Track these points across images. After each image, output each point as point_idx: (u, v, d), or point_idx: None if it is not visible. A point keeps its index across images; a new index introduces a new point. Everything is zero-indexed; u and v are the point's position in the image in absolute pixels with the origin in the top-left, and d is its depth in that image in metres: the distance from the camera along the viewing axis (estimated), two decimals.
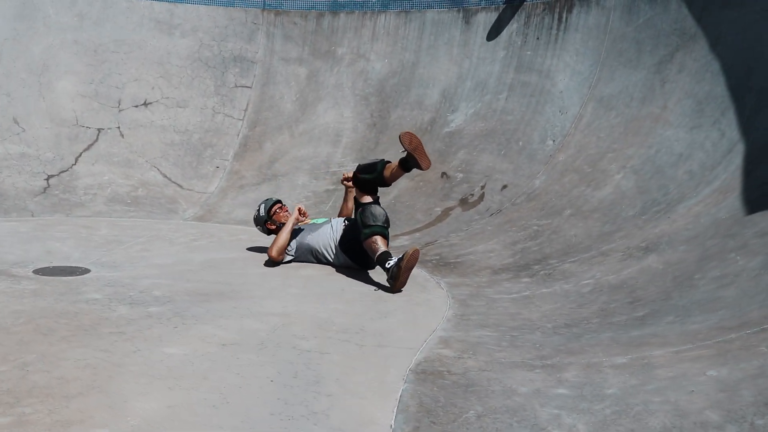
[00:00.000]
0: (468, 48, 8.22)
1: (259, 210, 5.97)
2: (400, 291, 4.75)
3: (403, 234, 6.76)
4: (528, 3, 7.82)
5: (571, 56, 7.44)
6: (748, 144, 5.34)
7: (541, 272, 5.18)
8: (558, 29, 7.57)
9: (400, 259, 4.73)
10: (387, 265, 4.81)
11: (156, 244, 6.14)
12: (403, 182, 7.64)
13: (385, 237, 5.07)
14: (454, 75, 8.20)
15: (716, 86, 5.96)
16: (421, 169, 5.28)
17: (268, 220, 5.89)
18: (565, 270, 5.17)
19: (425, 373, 3.30)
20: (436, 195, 7.37)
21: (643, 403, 2.84)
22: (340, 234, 5.47)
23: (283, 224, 5.66)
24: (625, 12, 7.04)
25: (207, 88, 8.66)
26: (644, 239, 5.20)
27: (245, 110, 8.63)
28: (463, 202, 7.11)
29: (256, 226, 6.02)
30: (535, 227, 6.17)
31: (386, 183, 5.53)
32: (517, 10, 7.89)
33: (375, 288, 4.87)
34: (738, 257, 4.23)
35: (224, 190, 7.95)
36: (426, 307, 4.49)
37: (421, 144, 5.30)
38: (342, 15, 8.77)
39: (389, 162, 5.56)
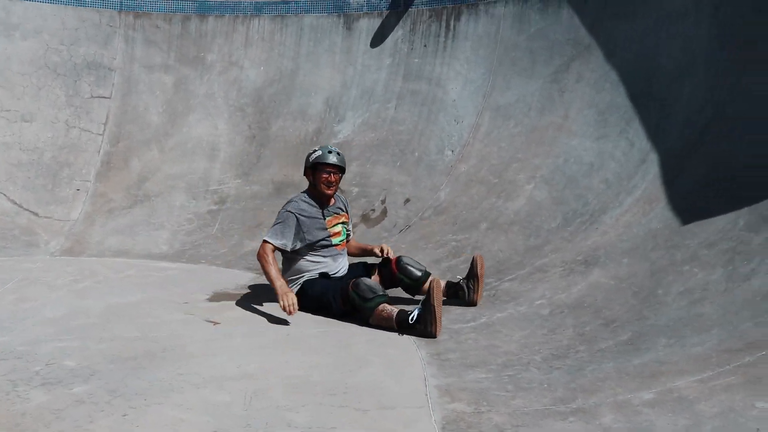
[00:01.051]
0: (351, 55, 7.82)
1: (312, 152, 5.00)
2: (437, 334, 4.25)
3: None
4: (413, 9, 7.57)
5: (461, 64, 7.29)
6: (661, 153, 5.45)
7: (483, 294, 4.93)
8: (446, 37, 7.40)
9: (426, 301, 4.26)
10: (412, 318, 4.28)
11: (31, 290, 5.14)
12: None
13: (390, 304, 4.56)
14: (338, 83, 7.77)
15: (617, 96, 6.06)
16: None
17: (309, 169, 4.98)
18: (508, 290, 4.97)
19: None
20: None
21: None
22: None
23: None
24: (515, 21, 7.01)
25: (57, 98, 7.52)
26: (578, 252, 5.14)
27: (105, 123, 7.60)
28: (366, 219, 6.72)
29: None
30: (453, 243, 5.93)
31: (418, 290, 4.98)
32: (401, 16, 7.62)
33: (400, 334, 4.30)
34: (695, 270, 4.24)
35: (90, 216, 6.93)
36: (394, 348, 4.07)
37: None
38: (210, 19, 8.00)
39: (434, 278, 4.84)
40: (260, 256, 4.77)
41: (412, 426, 3.03)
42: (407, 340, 4.21)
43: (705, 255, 4.32)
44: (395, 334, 4.30)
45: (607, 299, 4.38)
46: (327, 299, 4.64)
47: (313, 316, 4.68)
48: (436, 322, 4.21)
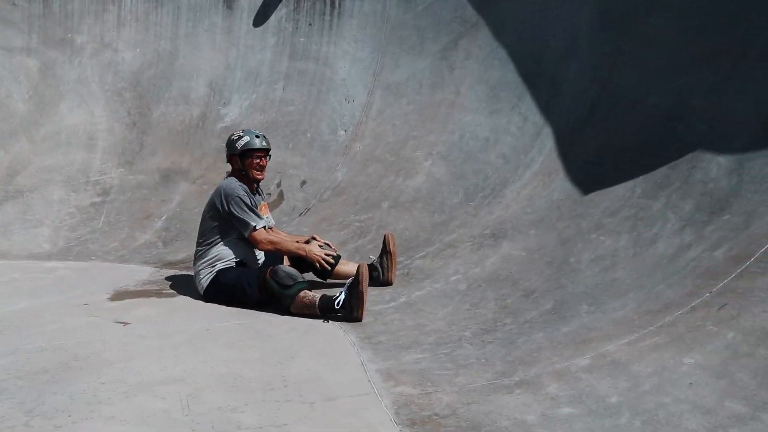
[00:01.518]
0: (233, 35, 7.49)
1: (237, 138, 4.76)
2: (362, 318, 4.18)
3: None
4: None
5: (349, 43, 7.18)
6: (555, 127, 5.63)
7: (398, 273, 4.91)
8: (332, 15, 7.24)
9: (353, 285, 4.11)
10: (338, 303, 4.15)
11: None
12: (183, 186, 6.78)
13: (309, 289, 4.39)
14: (221, 65, 7.43)
15: (507, 72, 6.19)
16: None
17: (237, 156, 4.74)
18: (421, 267, 4.98)
19: (417, 425, 2.86)
20: None
21: (660, 407, 2.77)
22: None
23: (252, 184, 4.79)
24: (401, 0, 6.96)
25: None
26: (485, 226, 5.22)
27: None
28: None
29: (227, 148, 4.82)
30: (357, 223, 5.87)
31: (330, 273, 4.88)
32: None
33: (325, 321, 4.18)
34: (602, 237, 4.42)
35: None
36: (320, 335, 3.96)
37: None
38: None
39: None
40: (269, 245, 4.58)
41: (364, 414, 2.96)
42: (332, 326, 4.11)
43: (609, 223, 4.51)
44: (318, 321, 4.19)
45: (522, 270, 4.48)
46: (242, 288, 4.45)
47: (228, 307, 4.47)
48: (362, 307, 4.13)
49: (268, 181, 6.73)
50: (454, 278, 4.67)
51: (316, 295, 4.28)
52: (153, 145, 7.12)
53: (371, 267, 4.83)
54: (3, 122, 7.01)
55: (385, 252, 4.83)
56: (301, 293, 4.27)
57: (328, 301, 4.21)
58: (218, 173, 6.87)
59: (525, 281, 4.34)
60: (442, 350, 3.65)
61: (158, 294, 4.80)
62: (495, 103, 6.16)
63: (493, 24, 6.44)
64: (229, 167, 4.92)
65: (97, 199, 6.68)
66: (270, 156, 4.82)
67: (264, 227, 4.58)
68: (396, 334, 3.91)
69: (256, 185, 4.79)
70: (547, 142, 5.59)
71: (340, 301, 4.15)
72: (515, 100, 6.04)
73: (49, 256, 5.88)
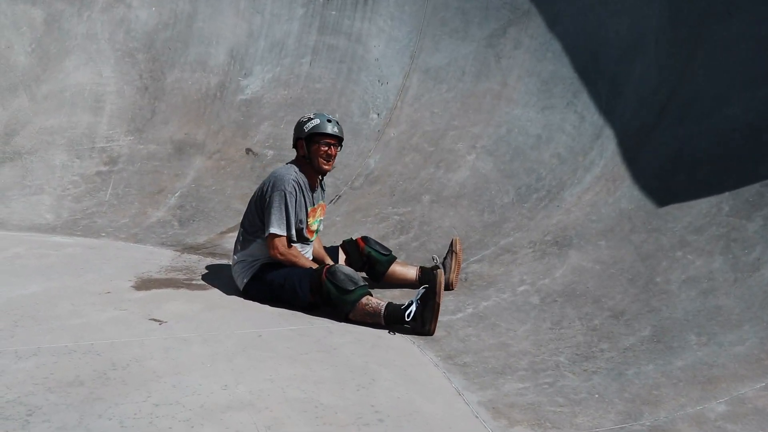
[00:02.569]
0: (258, 2, 6.75)
1: (305, 120, 4.07)
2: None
3: (228, 231, 5.29)
4: None
5: (385, 21, 6.52)
6: (617, 130, 5.10)
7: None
8: None
9: (427, 295, 3.51)
10: (409, 314, 3.56)
11: None
12: (199, 160, 6.07)
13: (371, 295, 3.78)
14: (243, 32, 6.69)
15: (561, 67, 5.63)
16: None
17: (303, 140, 4.04)
18: (479, 273, 4.42)
19: None
20: (246, 176, 5.96)
21: None
22: None
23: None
24: None
25: None
26: (545, 232, 4.68)
27: None
28: None
29: (294, 132, 4.13)
30: (396, 217, 5.27)
31: (382, 275, 4.29)
32: None
33: (390, 332, 3.60)
34: (690, 257, 3.92)
35: None
36: (393, 351, 3.37)
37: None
38: None
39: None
40: (281, 256, 3.91)
41: None
42: (401, 339, 3.53)
43: (695, 241, 4.01)
44: (383, 332, 3.59)
45: (601, 286, 3.96)
46: (292, 289, 3.81)
47: (273, 308, 3.84)
48: (436, 320, 3.55)
49: None
50: (521, 288, 4.12)
51: (380, 302, 3.68)
52: (166, 113, 6.37)
53: (434, 267, 4.26)
54: (1, 76, 6.17)
55: (451, 252, 4.26)
56: (363, 299, 3.67)
57: (395, 310, 3.61)
58: (237, 149, 6.19)
59: (608, 299, 3.82)
60: (542, 379, 3.10)
61: (188, 285, 4.13)
62: (547, 98, 5.60)
63: (547, 13, 5.86)
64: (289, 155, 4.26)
65: (104, 168, 5.92)
66: (342, 147, 4.12)
67: (286, 239, 3.92)
68: (481, 355, 3.34)
69: (319, 178, 4.12)
70: (608, 145, 5.07)
71: (411, 312, 3.55)
72: (570, 96, 5.49)
73: (53, 229, 5.13)
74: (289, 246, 3.93)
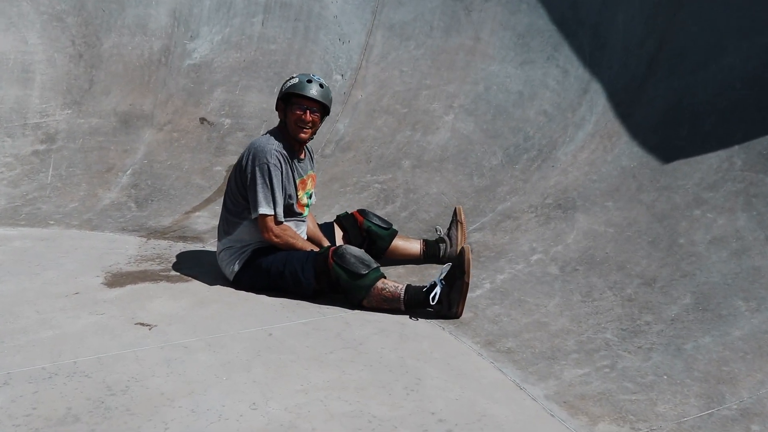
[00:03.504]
0: None
1: (287, 80, 3.50)
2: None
3: (194, 210, 4.66)
4: None
5: None
6: (605, 83, 4.74)
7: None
8: None
9: (453, 274, 3.03)
10: (433, 297, 3.08)
11: None
12: (149, 133, 5.36)
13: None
14: None
15: (537, 19, 5.21)
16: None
17: (280, 100, 3.51)
18: (484, 242, 4.01)
19: None
20: (204, 148, 5.30)
21: None
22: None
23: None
24: None
25: None
26: (544, 194, 4.31)
27: None
28: None
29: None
30: (377, 185, 4.77)
31: (383, 251, 3.79)
32: None
33: (412, 317, 3.14)
34: (710, 215, 3.62)
35: None
36: (427, 340, 2.92)
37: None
38: None
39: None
40: (276, 239, 3.36)
41: None
42: (427, 325, 3.08)
43: (712, 198, 3.72)
44: (404, 318, 3.13)
45: (621, 251, 3.62)
46: (294, 276, 3.28)
47: (273, 298, 3.31)
48: (464, 301, 3.12)
49: (252, 129, 5.45)
50: (535, 258, 3.74)
51: (397, 285, 3.21)
52: (105, 82, 5.57)
53: (439, 240, 3.81)
54: None
55: (456, 222, 3.82)
56: (379, 283, 3.18)
57: (417, 294, 3.15)
58: (189, 119, 5.51)
59: (634, 265, 3.48)
60: (599, 361, 2.73)
61: (167, 277, 3.53)
62: (525, 52, 5.18)
63: None
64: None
65: (41, 147, 5.12)
66: (324, 116, 3.50)
67: (275, 217, 3.37)
68: (521, 338, 2.94)
69: (300, 147, 3.54)
70: (598, 99, 4.71)
71: (436, 294, 3.10)
72: (550, 50, 5.08)
73: None
74: (291, 231, 3.39)
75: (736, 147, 3.91)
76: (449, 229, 3.88)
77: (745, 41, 4.27)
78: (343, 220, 3.79)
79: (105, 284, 3.39)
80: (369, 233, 3.72)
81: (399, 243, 3.78)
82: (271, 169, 3.30)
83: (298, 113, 3.42)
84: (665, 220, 3.74)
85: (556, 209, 4.14)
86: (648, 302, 3.18)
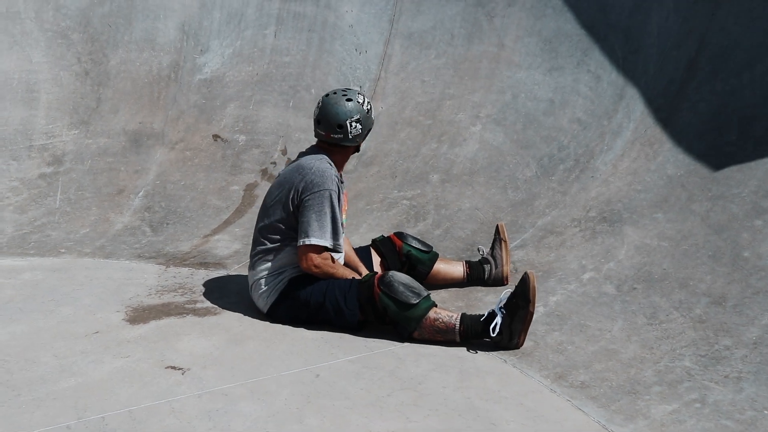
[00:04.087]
0: None
1: (370, 108, 3.27)
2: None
3: (213, 233, 4.34)
4: None
5: None
6: (641, 88, 4.46)
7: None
8: None
9: (516, 304, 2.74)
10: (494, 328, 2.77)
11: None
12: (161, 152, 5.04)
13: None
14: (195, 3, 5.60)
15: (564, 23, 4.92)
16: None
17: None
18: (527, 260, 3.71)
19: None
20: (219, 167, 4.98)
21: None
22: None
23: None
24: None
25: None
26: (586, 207, 4.01)
27: None
28: (267, 175, 4.91)
29: (356, 123, 3.17)
30: (406, 201, 4.47)
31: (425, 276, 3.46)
32: None
33: (471, 350, 2.84)
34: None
35: None
36: (492, 377, 2.60)
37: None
38: None
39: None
40: (316, 269, 3.04)
41: None
42: (487, 358, 2.77)
43: None
44: (460, 350, 2.82)
45: (680, 267, 3.32)
46: (337, 307, 2.96)
47: (313, 331, 2.98)
48: (526, 331, 2.81)
49: (269, 147, 5.14)
50: (586, 276, 3.43)
51: (451, 314, 2.90)
52: (113, 100, 5.25)
53: (482, 261, 3.50)
54: None
55: (499, 240, 3.51)
56: (431, 313, 2.87)
57: (474, 324, 2.84)
58: (202, 136, 5.19)
59: (698, 282, 3.18)
60: (687, 395, 2.43)
61: (193, 310, 3.21)
62: (553, 58, 4.89)
63: None
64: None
65: (48, 170, 4.79)
66: None
67: (327, 249, 3.06)
68: (593, 369, 2.64)
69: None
70: (635, 105, 4.42)
71: (496, 325, 2.78)
72: (580, 55, 4.80)
73: None
74: (332, 260, 3.08)
75: None
76: (492, 248, 3.57)
77: None
78: (380, 244, 3.47)
79: (127, 321, 3.07)
80: (409, 258, 3.41)
81: (441, 266, 3.47)
82: (333, 197, 3.00)
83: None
84: (724, 232, 3.44)
85: (602, 222, 3.84)
86: (722, 323, 2.88)
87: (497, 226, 3.61)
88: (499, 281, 3.48)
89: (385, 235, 3.54)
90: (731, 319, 2.90)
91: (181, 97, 5.38)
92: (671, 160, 4.03)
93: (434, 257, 3.46)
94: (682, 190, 3.82)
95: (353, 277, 3.08)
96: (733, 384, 2.49)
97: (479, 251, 3.59)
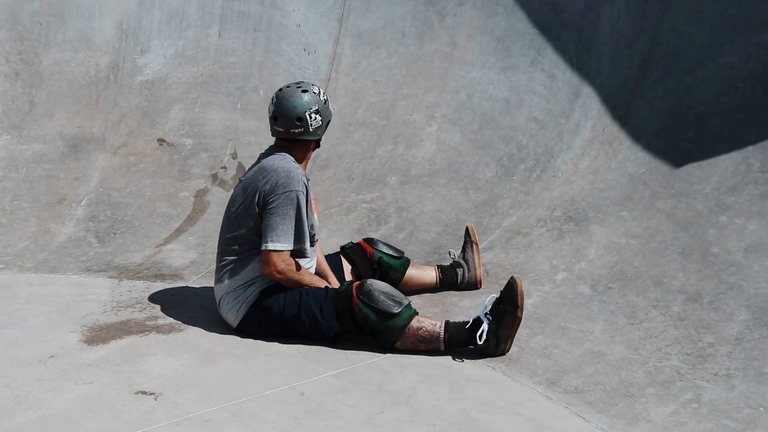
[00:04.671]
0: None
1: (327, 100, 3.09)
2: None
3: (165, 243, 4.08)
4: None
5: None
6: (596, 87, 4.46)
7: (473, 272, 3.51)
8: None
9: (503, 310, 2.62)
10: (480, 335, 2.62)
11: None
12: (102, 158, 4.73)
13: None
14: (133, 1, 5.26)
15: (516, 22, 4.88)
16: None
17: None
18: (497, 262, 3.64)
19: None
20: (166, 172, 4.70)
21: None
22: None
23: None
24: None
25: None
26: (550, 206, 3.97)
27: None
28: (218, 180, 4.67)
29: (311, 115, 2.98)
30: (365, 205, 4.33)
31: (397, 283, 3.30)
32: None
33: (456, 358, 2.71)
34: (738, 221, 3.37)
35: None
36: (483, 387, 2.50)
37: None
38: None
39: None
40: (279, 275, 2.84)
41: None
42: (474, 366, 2.66)
43: (736, 203, 3.47)
44: (446, 359, 2.70)
45: (652, 264, 3.31)
46: (310, 318, 2.79)
47: (288, 345, 2.80)
48: (513, 337, 2.72)
49: (218, 150, 4.89)
50: (560, 277, 3.39)
51: (434, 322, 2.77)
52: (48, 103, 4.87)
53: (455, 265, 3.39)
54: None
55: (470, 243, 3.41)
56: (414, 322, 2.74)
57: (459, 332, 2.72)
58: (146, 140, 4.89)
59: (671, 279, 3.18)
60: (682, 395, 2.40)
61: (156, 327, 2.97)
62: (507, 57, 4.84)
63: None
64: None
65: None
66: None
67: (295, 252, 2.89)
68: (584, 373, 2.57)
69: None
70: (591, 104, 4.42)
71: (483, 332, 2.67)
72: (533, 54, 4.77)
73: None
74: (297, 266, 2.90)
75: (751, 148, 3.69)
76: (463, 251, 3.47)
77: (741, 39, 4.07)
78: (350, 251, 3.32)
79: (84, 342, 2.80)
80: (380, 264, 3.26)
81: (413, 272, 3.34)
82: (300, 198, 2.82)
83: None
84: (690, 228, 3.47)
85: (568, 222, 3.81)
86: (702, 320, 2.88)
87: (467, 228, 3.51)
88: (473, 285, 3.38)
89: (354, 242, 3.39)
90: (710, 315, 2.90)
91: (122, 99, 5.05)
92: (631, 158, 4.04)
93: (406, 263, 3.33)
94: (645, 187, 3.83)
95: (327, 287, 2.91)
96: (723, 382, 2.48)
97: (450, 255, 3.48)
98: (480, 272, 3.39)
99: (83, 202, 4.42)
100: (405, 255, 3.37)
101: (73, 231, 4.16)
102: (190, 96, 5.16)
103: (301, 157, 3.06)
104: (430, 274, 3.38)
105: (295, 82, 3.19)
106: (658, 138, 4.04)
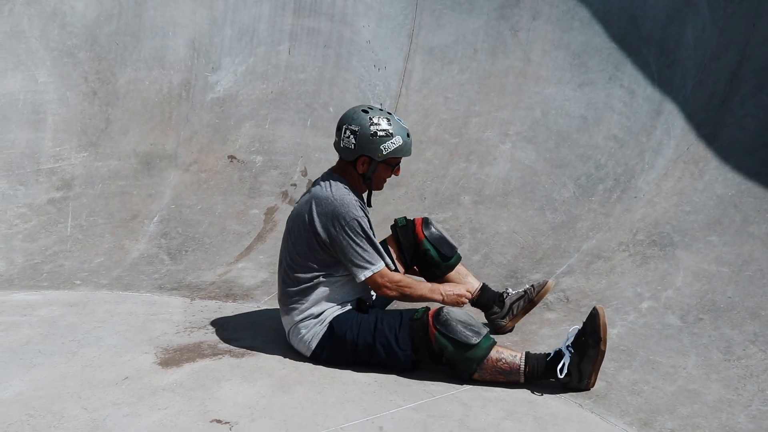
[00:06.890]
0: None
1: (381, 135, 2.80)
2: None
3: (237, 261, 4.07)
4: None
5: None
6: (680, 104, 4.26)
7: (549, 297, 3.36)
8: None
9: (586, 343, 2.51)
10: (561, 369, 2.52)
11: None
12: (174, 174, 4.78)
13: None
14: (205, 19, 5.35)
15: (593, 37, 4.72)
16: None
17: (374, 161, 2.85)
18: (577, 288, 3.47)
19: None
20: (236, 190, 4.72)
21: None
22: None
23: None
24: None
25: None
26: (632, 229, 3.79)
27: None
28: (288, 197, 4.66)
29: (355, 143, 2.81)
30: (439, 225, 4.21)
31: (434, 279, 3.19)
32: None
33: (535, 392, 2.59)
34: None
35: None
36: (571, 425, 2.35)
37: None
38: None
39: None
40: (395, 290, 2.82)
41: None
42: (559, 402, 2.52)
43: None
44: (525, 393, 2.57)
45: (746, 294, 3.10)
46: (386, 348, 2.70)
47: (364, 374, 2.72)
48: (597, 372, 2.57)
49: (288, 167, 4.89)
50: (645, 306, 3.20)
51: (514, 353, 2.64)
52: (123, 120, 4.98)
53: (498, 297, 3.12)
54: None
55: (530, 299, 3.09)
56: (493, 353, 2.61)
57: (540, 364, 2.59)
58: (217, 157, 4.93)
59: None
60: None
61: (229, 351, 2.93)
62: (583, 73, 4.68)
63: None
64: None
65: (57, 194, 4.51)
66: None
67: (387, 267, 2.82)
68: (679, 414, 2.40)
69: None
70: (674, 121, 4.22)
71: (564, 365, 2.54)
72: (611, 69, 4.59)
73: (9, 282, 3.75)
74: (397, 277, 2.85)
75: None
76: (520, 299, 3.11)
77: None
78: (401, 232, 3.14)
79: (158, 364, 2.79)
80: (425, 257, 3.10)
81: (454, 276, 3.11)
82: (362, 223, 2.74)
83: (395, 174, 2.97)
84: None
85: (652, 246, 3.62)
86: None
87: (545, 283, 3.11)
88: (500, 330, 3.10)
89: (410, 218, 3.22)
90: None
91: (194, 116, 5.12)
92: (719, 178, 3.82)
93: (452, 265, 3.13)
94: (735, 211, 3.61)
95: (402, 313, 2.81)
96: None
97: (505, 291, 3.22)
98: (511, 326, 3.14)
99: (156, 218, 4.48)
100: (458, 253, 3.17)
101: (146, 248, 4.21)
102: (261, 113, 5.19)
103: (350, 182, 2.88)
104: (469, 285, 3.18)
105: (374, 106, 3.03)
106: (749, 157, 3.81)
